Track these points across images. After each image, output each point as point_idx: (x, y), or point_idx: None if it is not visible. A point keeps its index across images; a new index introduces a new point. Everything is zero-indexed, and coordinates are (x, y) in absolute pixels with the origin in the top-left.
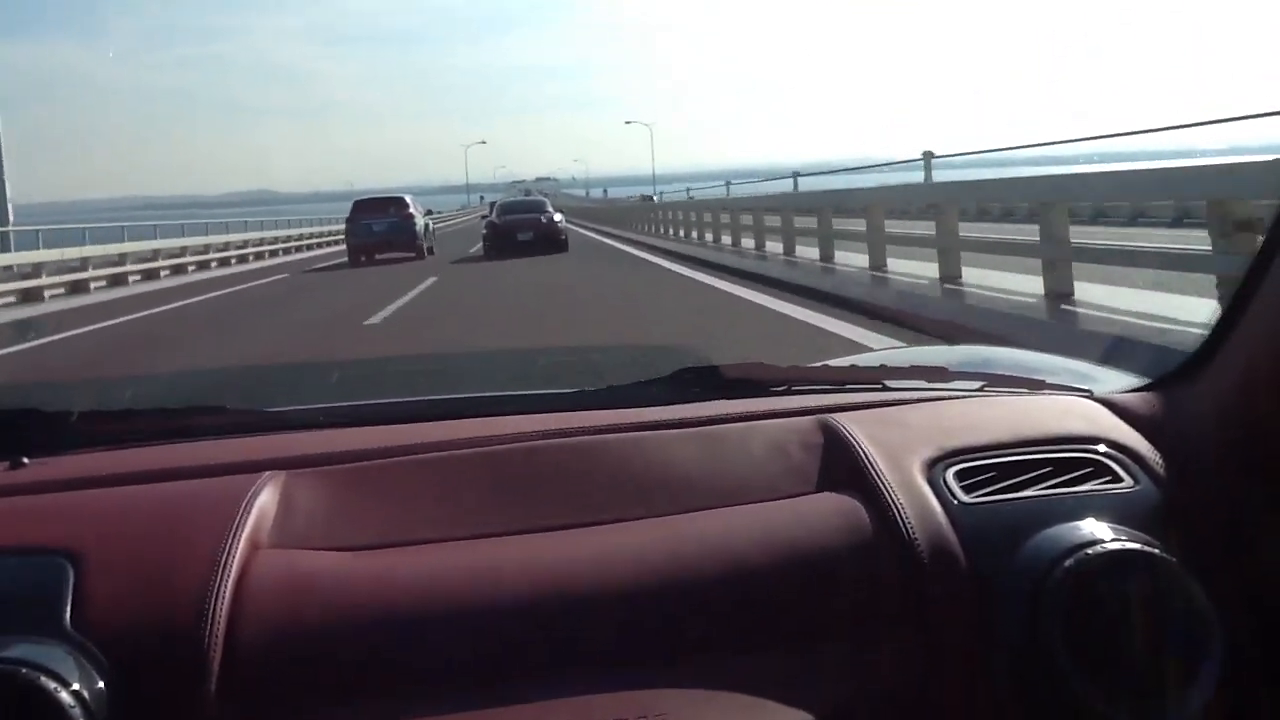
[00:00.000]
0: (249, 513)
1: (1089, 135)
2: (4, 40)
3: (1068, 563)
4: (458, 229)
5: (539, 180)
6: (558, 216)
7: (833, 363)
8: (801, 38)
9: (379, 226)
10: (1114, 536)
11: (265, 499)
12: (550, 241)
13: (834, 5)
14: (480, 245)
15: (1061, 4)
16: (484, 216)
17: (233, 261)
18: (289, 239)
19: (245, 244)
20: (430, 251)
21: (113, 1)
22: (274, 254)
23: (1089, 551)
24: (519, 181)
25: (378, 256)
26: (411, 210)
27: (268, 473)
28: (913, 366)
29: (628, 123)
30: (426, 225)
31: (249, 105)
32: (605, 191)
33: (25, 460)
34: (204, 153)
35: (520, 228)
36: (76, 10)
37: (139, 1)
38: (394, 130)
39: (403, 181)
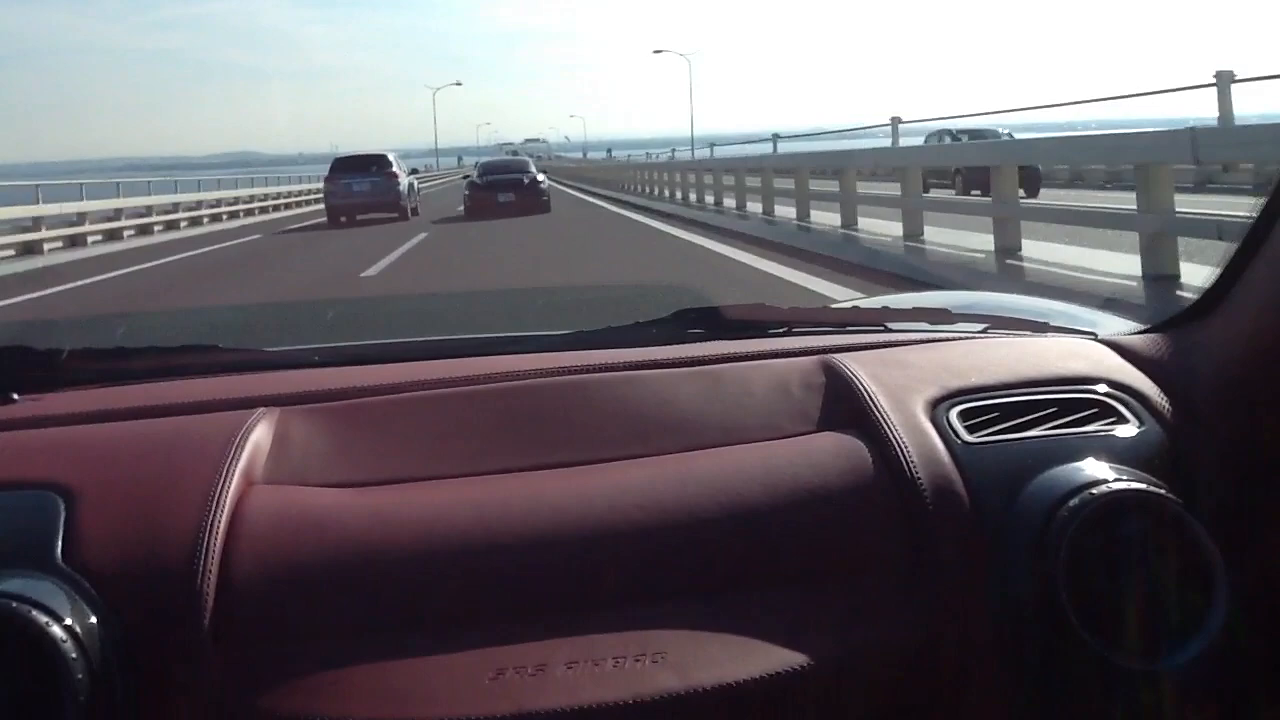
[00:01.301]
0: (243, 448)
1: (1043, 104)
2: None
3: (1072, 502)
4: (428, 192)
5: (528, 141)
6: (541, 177)
7: (835, 305)
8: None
9: (360, 186)
10: (1117, 477)
11: (259, 435)
12: (532, 203)
13: None
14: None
15: None
16: (466, 177)
17: (204, 221)
18: (264, 197)
19: (218, 202)
20: (415, 212)
21: None
22: (249, 213)
23: (1093, 491)
24: (506, 144)
25: (359, 218)
26: (395, 169)
27: (262, 409)
28: (916, 308)
29: (657, 52)
30: (411, 185)
31: (237, 67)
32: (609, 152)
33: (15, 397)
34: (191, 115)
35: (502, 188)
36: None
37: None
38: (384, 94)
39: (389, 146)
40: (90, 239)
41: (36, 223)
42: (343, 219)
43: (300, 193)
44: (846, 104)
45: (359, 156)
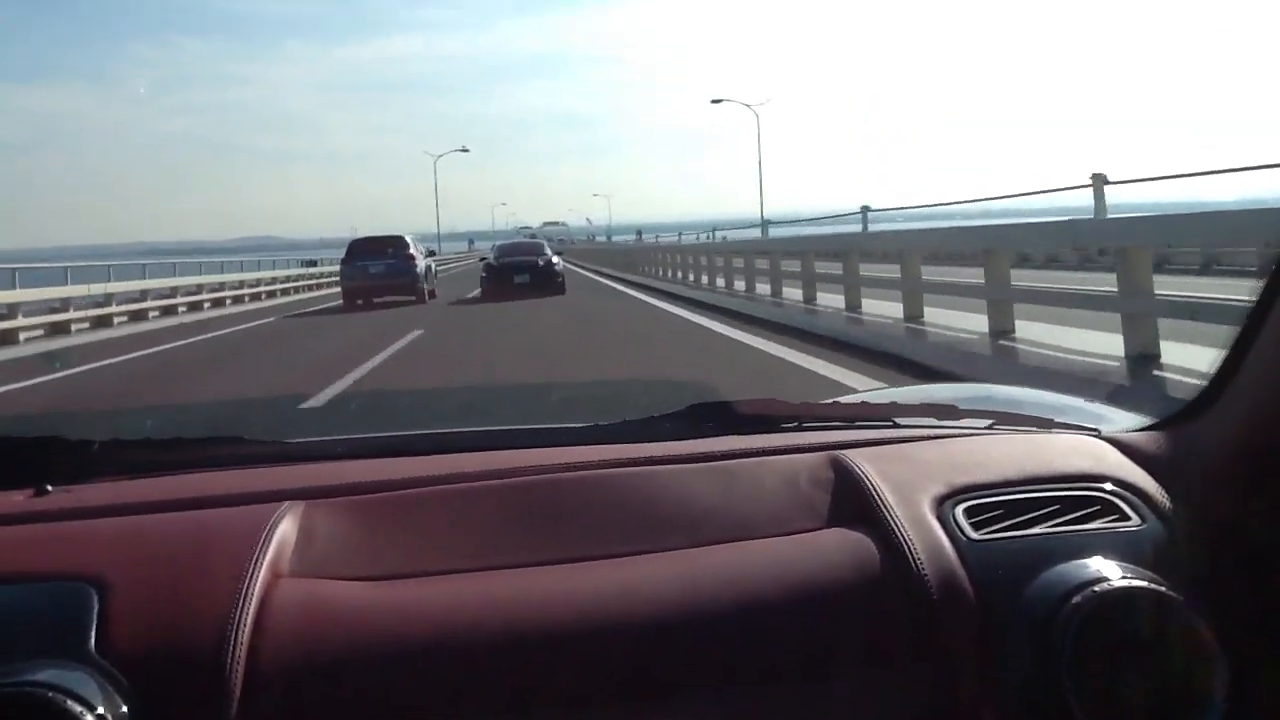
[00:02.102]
0: (270, 542)
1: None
2: (17, 84)
3: (1075, 600)
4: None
5: (546, 225)
6: (556, 260)
7: (844, 399)
8: (811, 95)
9: (376, 268)
10: (1121, 574)
11: (285, 528)
12: (547, 284)
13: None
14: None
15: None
16: (483, 259)
17: (205, 306)
18: (270, 280)
19: (221, 286)
20: (432, 295)
21: (123, 49)
22: (256, 298)
23: (1096, 589)
24: (524, 227)
25: (375, 301)
26: (412, 251)
27: (288, 502)
28: (923, 404)
29: (715, 101)
30: (428, 267)
31: (258, 152)
32: (639, 235)
33: (49, 488)
34: (214, 199)
35: (518, 270)
36: (89, 56)
37: (151, 49)
38: (404, 178)
39: (411, 230)
40: (74, 326)
41: (11, 310)
42: (359, 302)
43: (318, 275)
44: (828, 191)
45: (376, 239)
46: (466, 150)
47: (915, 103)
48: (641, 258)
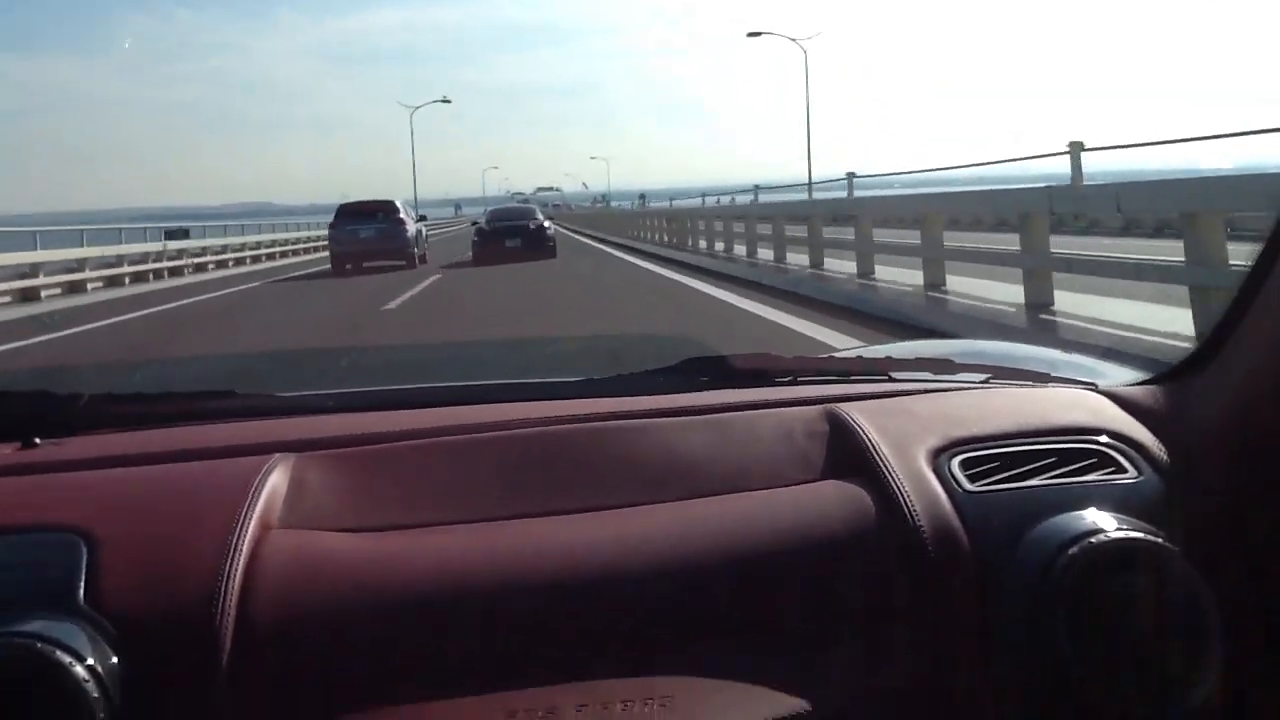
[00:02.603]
0: (259, 493)
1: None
2: (8, 53)
3: (1071, 551)
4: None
5: (540, 190)
6: (547, 224)
7: (839, 354)
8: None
9: (366, 232)
10: (1117, 526)
11: (276, 480)
12: (538, 247)
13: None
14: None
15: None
16: (474, 224)
17: (186, 271)
18: (275, 244)
19: (204, 251)
20: (423, 260)
21: (116, 17)
22: (240, 262)
23: (1092, 540)
24: (517, 193)
25: (365, 265)
26: (402, 215)
27: (278, 455)
28: (919, 358)
29: (752, 34)
30: (419, 231)
31: (250, 119)
32: (643, 198)
33: (38, 441)
34: (206, 166)
35: (509, 234)
36: (80, 25)
37: (141, 17)
38: (395, 146)
39: (399, 196)
40: (44, 292)
41: (35, 269)
42: (348, 266)
43: (309, 239)
44: (820, 157)
45: (365, 203)
46: (448, 101)
47: (911, 72)
48: (636, 223)
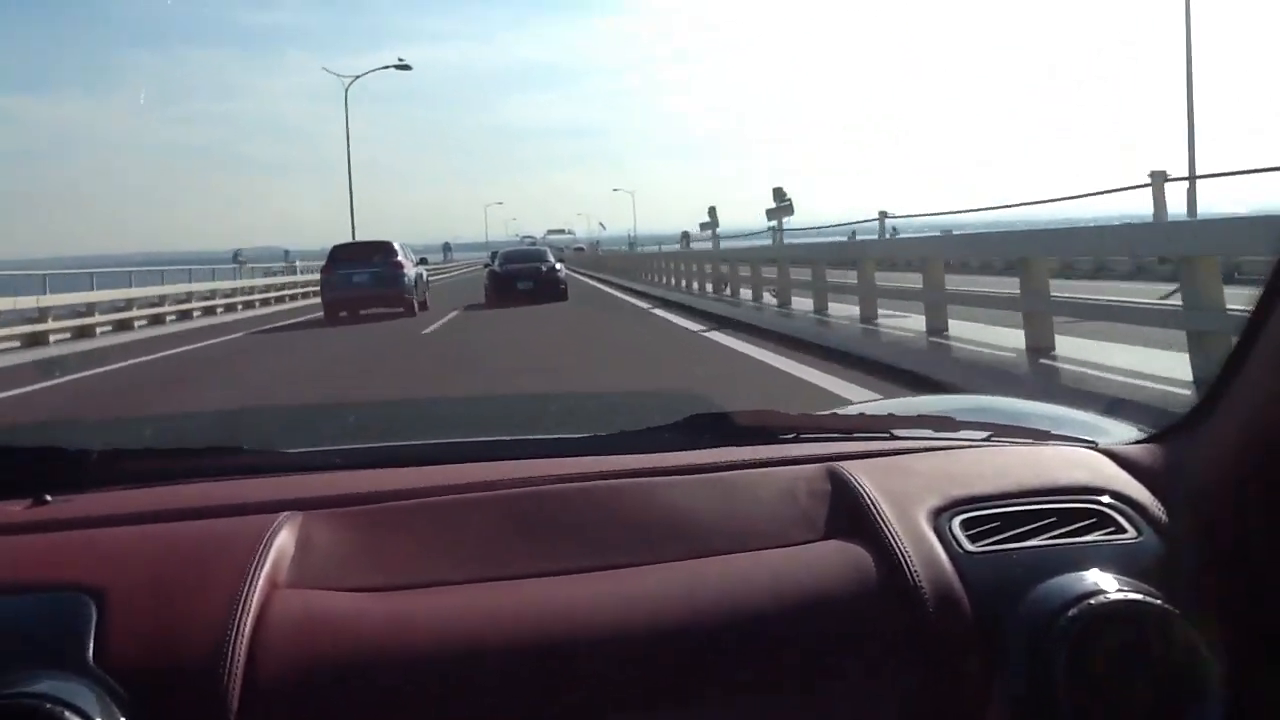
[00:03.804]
0: (268, 552)
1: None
2: (18, 95)
3: (1071, 612)
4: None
5: (550, 233)
6: (559, 267)
7: (841, 411)
8: (811, 102)
9: (361, 277)
10: (1117, 587)
11: (283, 539)
12: (550, 290)
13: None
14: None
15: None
16: (487, 265)
17: (167, 320)
18: (251, 290)
19: (189, 296)
20: (424, 306)
21: (126, 59)
22: (231, 309)
23: (1092, 601)
24: (526, 236)
25: (362, 313)
26: (400, 258)
27: (286, 513)
28: (920, 416)
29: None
30: (419, 275)
31: (259, 161)
32: (687, 237)
33: (48, 498)
34: (215, 209)
35: (521, 276)
36: (89, 67)
37: (152, 58)
38: (405, 188)
39: (408, 240)
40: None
41: (43, 314)
42: (342, 314)
43: (307, 283)
44: (831, 201)
45: (360, 245)
46: (407, 68)
47: (926, 112)
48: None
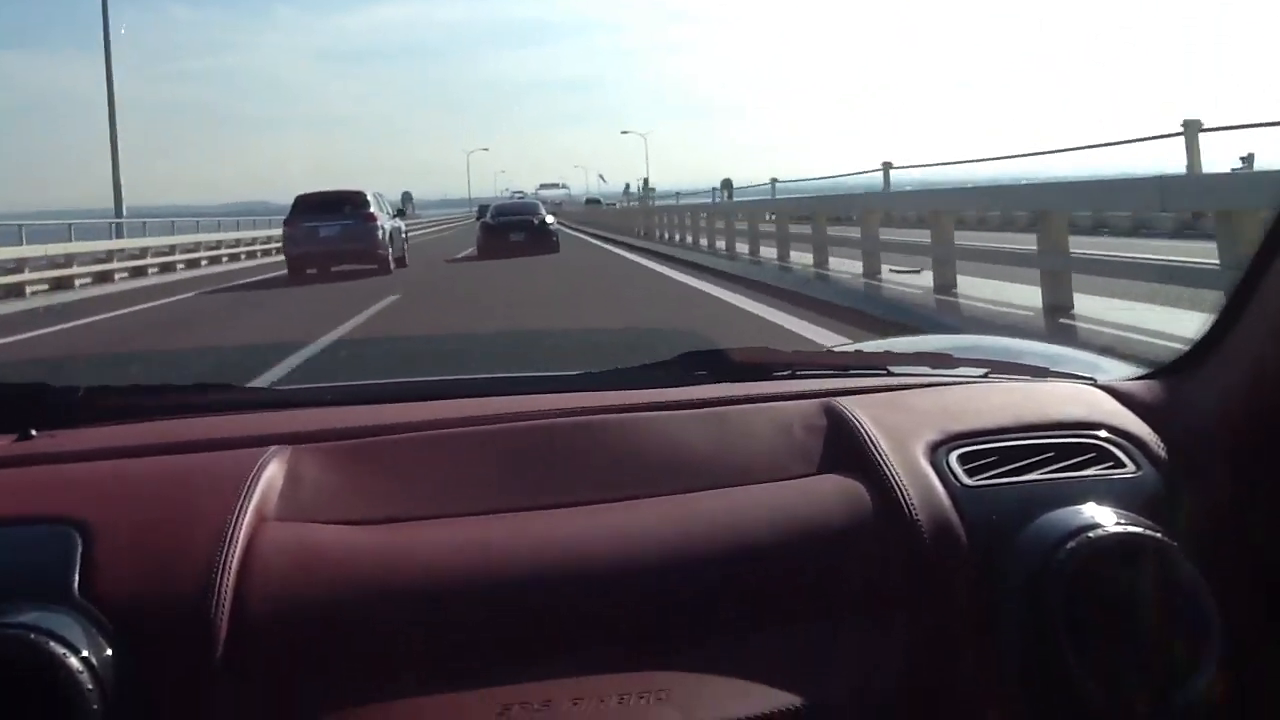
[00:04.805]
0: (256, 485)
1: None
2: (9, 51)
3: (1069, 545)
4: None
5: (543, 188)
6: (550, 220)
7: (838, 348)
8: (806, 57)
9: (328, 230)
10: (1115, 520)
11: (272, 472)
12: (542, 242)
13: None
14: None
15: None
16: (478, 218)
17: (115, 277)
18: (201, 245)
19: (218, 244)
20: (402, 263)
21: (117, 16)
22: (192, 264)
23: (1090, 534)
24: (517, 192)
25: (333, 270)
26: (373, 209)
27: (274, 447)
28: (918, 353)
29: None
30: (397, 229)
31: (249, 118)
32: (729, 187)
33: (34, 433)
34: (207, 165)
35: (513, 228)
36: (82, 23)
37: (143, 15)
38: (398, 143)
39: (400, 193)
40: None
41: (69, 259)
42: (310, 271)
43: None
44: (830, 154)
45: (327, 195)
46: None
47: (923, 68)
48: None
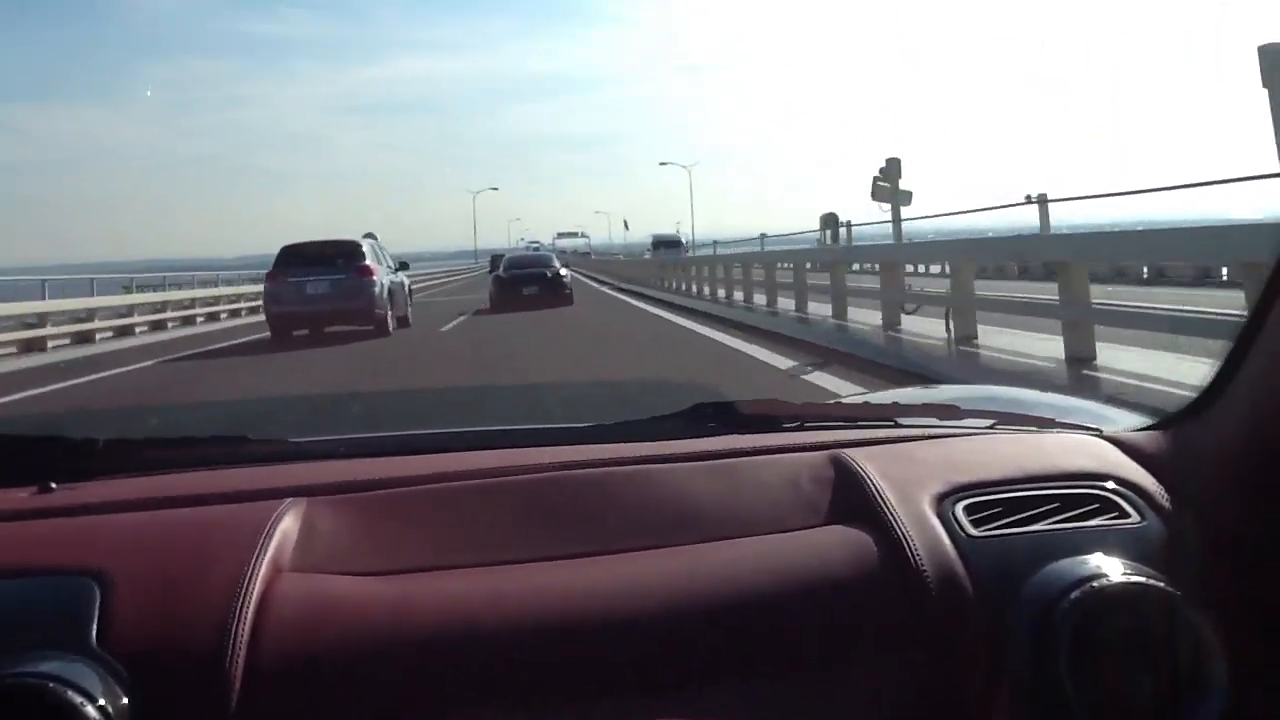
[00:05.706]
0: (271, 537)
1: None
2: (32, 105)
3: (1074, 595)
4: None
5: (561, 236)
6: (564, 272)
7: (846, 399)
8: (824, 109)
9: (316, 286)
10: (1121, 570)
11: (287, 524)
12: (556, 295)
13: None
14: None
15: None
16: (490, 270)
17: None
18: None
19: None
20: (404, 323)
21: (137, 70)
22: (157, 326)
23: (1095, 585)
24: (532, 243)
25: (326, 331)
26: (369, 262)
27: (290, 499)
28: (925, 404)
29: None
30: (399, 284)
31: (266, 171)
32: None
33: (54, 485)
34: (222, 217)
35: (526, 281)
36: (103, 78)
37: (163, 70)
38: (411, 195)
39: (416, 246)
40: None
41: (42, 319)
42: (295, 333)
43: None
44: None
45: (318, 244)
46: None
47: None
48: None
